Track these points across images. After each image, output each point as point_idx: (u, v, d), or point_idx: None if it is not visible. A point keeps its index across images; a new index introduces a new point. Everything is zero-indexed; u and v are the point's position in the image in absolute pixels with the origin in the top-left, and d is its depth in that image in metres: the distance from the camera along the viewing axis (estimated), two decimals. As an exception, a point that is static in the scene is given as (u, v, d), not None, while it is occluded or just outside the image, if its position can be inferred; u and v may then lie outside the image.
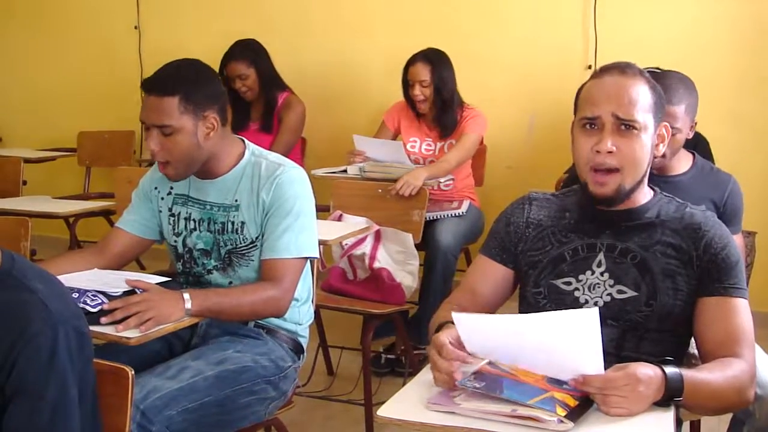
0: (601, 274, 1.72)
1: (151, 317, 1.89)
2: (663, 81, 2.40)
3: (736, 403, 1.63)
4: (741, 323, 1.65)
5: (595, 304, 1.70)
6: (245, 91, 4.18)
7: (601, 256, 1.73)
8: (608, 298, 1.70)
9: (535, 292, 1.77)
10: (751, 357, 1.63)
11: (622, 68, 1.72)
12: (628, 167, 1.69)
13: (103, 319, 1.86)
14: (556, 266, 1.76)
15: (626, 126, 1.67)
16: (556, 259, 1.77)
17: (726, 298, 1.66)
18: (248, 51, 4.17)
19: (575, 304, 1.71)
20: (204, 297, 2.03)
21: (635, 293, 1.69)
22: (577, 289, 1.73)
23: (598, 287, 1.71)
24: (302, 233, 2.14)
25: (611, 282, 1.71)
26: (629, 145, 1.68)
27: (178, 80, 2.06)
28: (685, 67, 2.53)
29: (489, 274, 1.85)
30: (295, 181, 2.16)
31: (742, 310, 1.66)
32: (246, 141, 2.26)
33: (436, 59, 3.85)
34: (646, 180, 1.76)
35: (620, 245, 1.73)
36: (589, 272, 1.73)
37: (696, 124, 2.42)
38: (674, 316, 1.68)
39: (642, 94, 1.69)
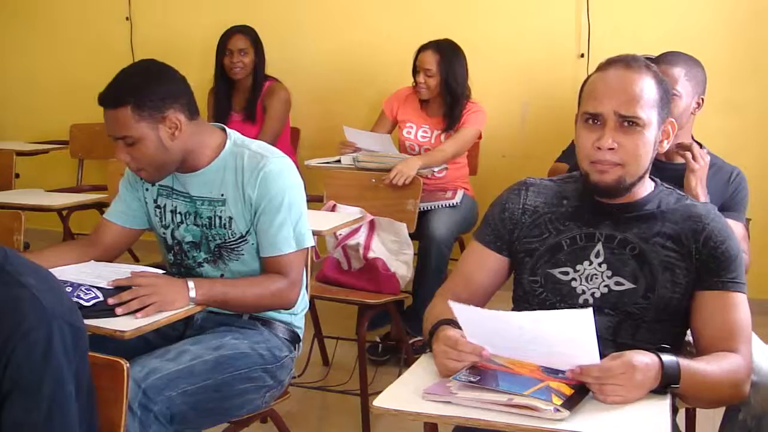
0: (599, 265, 1.70)
1: (155, 302, 1.90)
2: (663, 56, 2.43)
3: (731, 397, 1.62)
4: (739, 318, 1.64)
5: (592, 295, 1.69)
6: (240, 68, 4.20)
7: (599, 247, 1.71)
8: (605, 290, 1.68)
9: (532, 279, 1.75)
10: (748, 353, 1.62)
11: (627, 61, 1.68)
12: (629, 163, 1.67)
13: (111, 300, 1.87)
14: (553, 255, 1.74)
15: (629, 123, 1.65)
16: (553, 248, 1.75)
17: (724, 293, 1.65)
18: (251, 32, 4.30)
19: (572, 294, 1.70)
20: (210, 286, 2.04)
21: (633, 285, 1.67)
22: (574, 279, 1.71)
23: (596, 278, 1.70)
24: (298, 224, 2.13)
25: (609, 273, 1.69)
26: (631, 142, 1.66)
27: (126, 89, 2.01)
28: (679, 54, 2.53)
29: (483, 262, 1.83)
30: (279, 172, 2.12)
31: (740, 304, 1.65)
32: (227, 129, 2.21)
33: (447, 51, 3.82)
34: (647, 175, 1.74)
35: (619, 236, 1.71)
36: (587, 262, 1.71)
37: (703, 101, 2.42)
38: (672, 308, 1.67)
39: (647, 89, 1.66)
